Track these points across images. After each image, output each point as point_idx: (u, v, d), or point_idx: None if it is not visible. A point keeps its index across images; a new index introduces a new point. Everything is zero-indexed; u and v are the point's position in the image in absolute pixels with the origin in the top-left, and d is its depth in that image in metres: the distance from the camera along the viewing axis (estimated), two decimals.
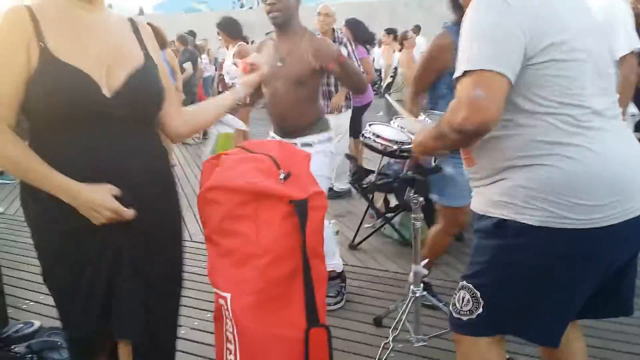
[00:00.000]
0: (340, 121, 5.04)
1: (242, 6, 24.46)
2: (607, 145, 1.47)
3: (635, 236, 1.53)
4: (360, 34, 5.66)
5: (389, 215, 4.23)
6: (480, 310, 1.59)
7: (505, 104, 1.42)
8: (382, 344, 2.65)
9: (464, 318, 1.64)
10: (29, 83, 1.49)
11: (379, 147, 2.61)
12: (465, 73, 1.42)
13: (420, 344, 2.64)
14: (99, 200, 1.51)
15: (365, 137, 2.73)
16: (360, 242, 4.20)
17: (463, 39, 1.48)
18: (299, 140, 2.81)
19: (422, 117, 2.18)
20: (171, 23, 14.80)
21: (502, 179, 1.55)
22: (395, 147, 2.55)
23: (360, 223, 4.33)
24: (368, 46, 6.00)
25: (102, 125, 1.55)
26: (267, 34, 3.04)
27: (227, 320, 1.75)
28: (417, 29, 11.66)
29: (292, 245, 1.68)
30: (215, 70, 10.30)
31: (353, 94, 4.83)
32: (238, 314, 1.68)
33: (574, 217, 1.44)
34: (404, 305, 2.68)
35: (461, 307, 1.65)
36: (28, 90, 1.50)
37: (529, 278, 1.53)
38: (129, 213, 1.56)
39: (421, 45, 9.76)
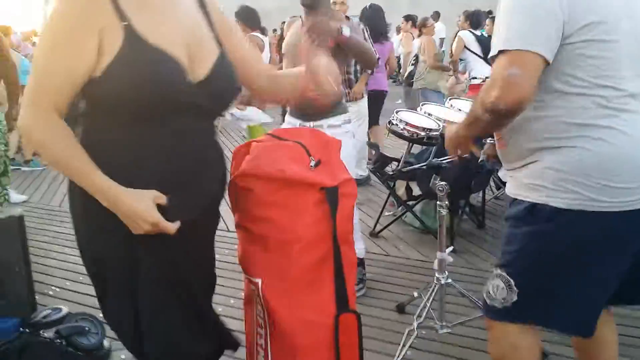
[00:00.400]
0: (359, 107, 5.04)
1: None
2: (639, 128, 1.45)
3: None
4: (372, 27, 5.56)
5: (410, 203, 4.22)
6: (515, 298, 1.59)
7: (538, 83, 1.42)
8: (407, 331, 2.66)
9: (498, 305, 1.65)
10: (109, 68, 1.32)
11: (406, 134, 2.61)
12: (501, 52, 1.43)
13: (445, 330, 2.65)
14: (141, 211, 1.36)
15: (392, 123, 2.73)
16: (381, 230, 4.20)
17: (501, 14, 1.47)
18: (324, 122, 2.79)
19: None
20: None
21: (532, 162, 1.55)
22: (422, 133, 2.54)
23: (381, 211, 4.34)
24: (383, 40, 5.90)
25: (179, 119, 1.41)
26: (292, 17, 3.05)
27: (258, 305, 1.78)
28: (436, 15, 11.53)
29: (323, 232, 1.69)
30: None
31: (363, 67, 4.76)
32: (269, 299, 1.69)
33: (605, 200, 1.44)
34: (428, 293, 2.69)
35: (495, 295, 1.65)
36: (105, 77, 1.33)
37: (561, 264, 1.53)
38: (172, 228, 1.42)
39: (440, 31, 9.68)
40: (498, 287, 1.63)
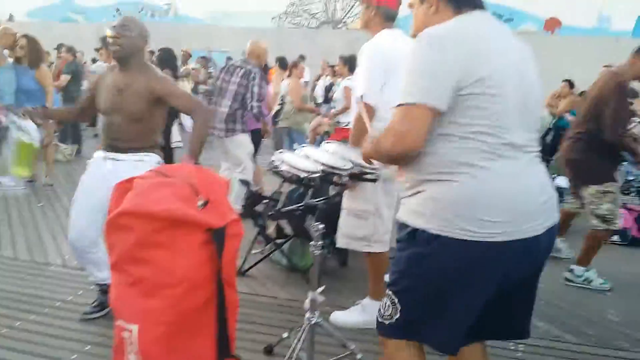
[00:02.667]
0: (238, 149, 5.04)
1: None
2: (513, 172, 1.63)
3: (531, 256, 1.68)
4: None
5: (279, 241, 4.24)
6: (398, 315, 1.71)
7: (431, 129, 1.59)
8: None
9: (386, 322, 1.75)
10: None
11: (287, 175, 2.64)
12: (398, 105, 1.58)
13: None
14: None
15: (273, 163, 2.75)
16: (249, 269, 4.15)
17: (405, 71, 1.63)
18: (131, 156, 2.81)
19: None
20: (45, 32, 13.75)
21: (420, 191, 1.70)
22: (304, 175, 2.59)
23: (250, 249, 4.29)
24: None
25: None
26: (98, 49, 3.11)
27: (131, 355, 1.65)
28: (301, 59, 11.94)
29: (207, 274, 1.64)
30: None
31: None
32: (146, 346, 1.59)
33: (475, 230, 1.58)
34: (299, 333, 2.68)
35: (384, 312, 1.76)
36: None
37: (433, 286, 1.66)
38: None
39: (306, 74, 10.00)
40: (386, 305, 1.73)
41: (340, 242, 3.26)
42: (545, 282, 1.99)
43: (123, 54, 2.76)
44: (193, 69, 10.68)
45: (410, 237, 1.68)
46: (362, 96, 2.70)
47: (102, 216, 2.69)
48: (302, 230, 2.91)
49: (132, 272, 1.62)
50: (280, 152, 2.75)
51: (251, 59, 5.18)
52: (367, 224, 3.09)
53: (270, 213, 3.48)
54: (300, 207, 2.96)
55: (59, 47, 9.11)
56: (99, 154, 2.94)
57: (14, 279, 3.68)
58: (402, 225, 1.74)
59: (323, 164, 2.71)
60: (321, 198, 2.64)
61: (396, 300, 1.71)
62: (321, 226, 2.53)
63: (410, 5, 1.83)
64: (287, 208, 3.31)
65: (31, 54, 5.94)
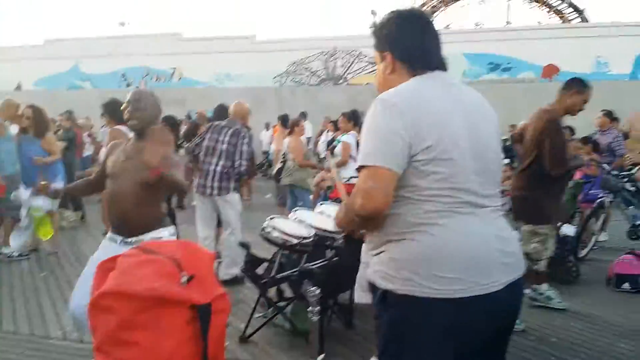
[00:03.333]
0: (225, 209, 5.04)
1: (128, 85, 24.05)
2: (470, 228, 1.65)
3: (490, 314, 1.65)
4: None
5: (281, 304, 4.15)
6: None
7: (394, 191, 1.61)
8: None
9: None
10: None
11: (279, 241, 2.61)
12: (362, 167, 1.62)
13: None
14: None
15: (264, 230, 2.72)
16: (252, 334, 4.06)
17: (362, 136, 1.68)
18: (146, 236, 2.74)
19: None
20: (52, 100, 14.12)
21: (382, 251, 1.70)
22: (295, 241, 2.56)
23: (252, 313, 4.21)
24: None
25: None
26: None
27: None
28: (303, 116, 12.11)
29: (192, 352, 1.59)
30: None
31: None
32: None
33: (435, 287, 1.59)
34: None
35: None
36: None
37: (403, 345, 1.66)
38: None
39: (308, 130, 10.11)
40: None
41: (360, 296, 3.18)
42: None
43: (140, 127, 2.87)
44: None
45: (382, 299, 1.68)
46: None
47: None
48: (301, 294, 2.85)
49: (116, 355, 1.58)
50: (272, 218, 2.73)
51: (237, 119, 5.29)
52: None
53: (263, 281, 3.42)
54: (295, 272, 2.91)
55: (68, 113, 9.28)
56: (114, 237, 2.89)
57: (16, 355, 3.62)
58: (373, 287, 1.74)
59: (317, 228, 2.68)
60: (317, 262, 2.60)
61: None
62: (318, 291, 2.48)
63: (376, 62, 1.88)
64: (281, 274, 3.26)
65: (37, 124, 6.07)
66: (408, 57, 1.76)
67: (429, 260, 1.61)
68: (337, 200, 3.46)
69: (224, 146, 5.00)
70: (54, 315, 4.46)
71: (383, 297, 1.68)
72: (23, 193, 2.75)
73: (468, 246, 1.63)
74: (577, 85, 3.97)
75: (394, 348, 1.69)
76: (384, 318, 1.71)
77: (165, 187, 2.73)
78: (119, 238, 2.83)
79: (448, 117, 1.67)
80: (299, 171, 6.92)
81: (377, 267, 1.71)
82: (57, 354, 3.74)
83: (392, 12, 1.85)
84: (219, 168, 4.99)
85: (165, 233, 2.79)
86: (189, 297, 1.58)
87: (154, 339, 1.54)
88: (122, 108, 2.93)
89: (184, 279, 1.60)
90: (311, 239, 2.69)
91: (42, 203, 2.73)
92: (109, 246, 2.82)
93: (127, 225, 2.81)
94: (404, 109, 1.62)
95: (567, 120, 4.29)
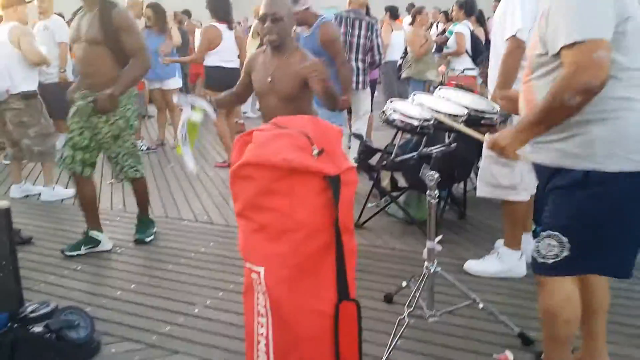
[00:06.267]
0: (360, 101, 5.08)
1: None
2: None
3: None
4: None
5: (394, 194, 4.26)
6: (567, 252, 1.82)
7: None
8: (397, 320, 2.68)
9: (550, 262, 1.86)
10: None
11: (399, 124, 2.62)
12: (577, 42, 1.60)
13: (434, 319, 2.68)
14: None
15: (385, 113, 2.74)
16: (366, 222, 4.23)
17: (564, 8, 1.66)
18: None
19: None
20: None
21: (577, 134, 1.74)
22: (416, 123, 2.56)
23: (365, 202, 4.36)
24: None
25: None
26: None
27: (259, 294, 1.78)
28: (410, 7, 11.55)
29: (325, 220, 1.71)
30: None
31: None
32: (272, 287, 1.70)
33: None
34: (418, 282, 2.72)
35: (546, 253, 1.87)
36: None
37: (613, 220, 1.77)
38: None
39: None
40: (550, 246, 1.84)
41: (483, 191, 3.21)
42: None
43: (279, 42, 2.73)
44: None
45: (580, 180, 1.74)
46: (515, 33, 2.64)
47: None
48: (417, 181, 2.89)
49: (256, 219, 1.73)
50: (391, 101, 2.73)
51: (360, 9, 5.14)
52: (513, 171, 3.02)
53: (383, 163, 3.48)
54: (414, 156, 2.93)
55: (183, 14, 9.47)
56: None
57: (216, 243, 3.95)
58: (560, 171, 1.80)
59: (437, 111, 2.66)
60: (436, 146, 2.60)
61: (564, 240, 1.81)
62: (436, 175, 2.51)
63: None
64: (401, 157, 3.29)
65: (158, 22, 6.38)
66: None
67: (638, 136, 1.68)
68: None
69: (363, 41, 4.91)
70: (184, 201, 4.89)
71: (584, 177, 1.74)
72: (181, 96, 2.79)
73: None
74: None
75: (581, 224, 1.80)
76: (573, 197, 1.79)
77: (325, 98, 2.64)
78: None
79: None
80: (417, 63, 6.78)
81: (575, 150, 1.75)
82: (188, 232, 4.15)
83: None
84: (361, 64, 4.97)
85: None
86: (320, 169, 1.67)
87: (290, 205, 1.66)
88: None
89: (315, 151, 1.69)
90: (432, 122, 2.68)
91: (206, 105, 2.77)
92: None
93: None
94: None
95: None
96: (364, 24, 4.89)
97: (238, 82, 3.03)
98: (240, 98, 3.11)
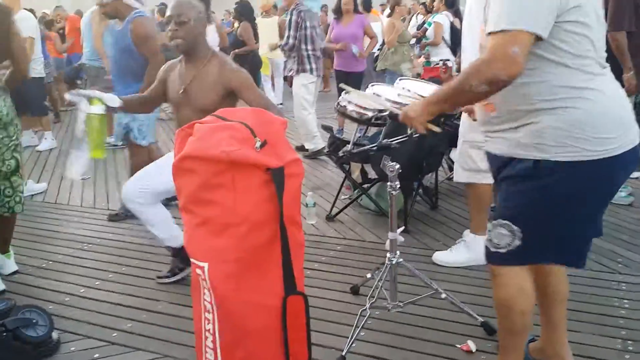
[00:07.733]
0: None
1: None
2: (610, 88, 1.75)
3: (633, 163, 1.79)
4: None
5: (365, 186, 4.25)
6: (518, 242, 1.82)
7: (529, 55, 1.63)
8: (360, 311, 2.68)
9: (502, 250, 1.87)
10: None
11: (354, 115, 2.60)
12: (501, 30, 1.59)
13: (397, 310, 2.68)
14: None
15: (339, 105, 2.71)
16: (337, 214, 4.22)
17: None
18: None
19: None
20: None
21: (528, 123, 1.73)
22: (370, 114, 2.54)
23: (337, 194, 4.35)
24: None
25: None
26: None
27: (205, 290, 1.76)
28: None
29: (269, 213, 1.68)
30: None
31: None
32: (216, 282, 1.68)
33: (597, 149, 1.69)
34: (380, 273, 2.71)
35: (499, 242, 1.87)
36: None
37: (564, 209, 1.78)
38: None
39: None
40: (501, 235, 1.84)
41: (461, 176, 3.19)
42: None
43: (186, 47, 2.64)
44: None
45: (530, 169, 1.74)
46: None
47: (150, 184, 2.78)
48: (384, 172, 2.88)
49: (199, 213, 1.70)
50: (347, 93, 2.70)
51: None
52: None
53: (341, 155, 3.46)
54: (373, 148, 2.91)
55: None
56: None
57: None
58: (511, 161, 1.80)
59: (393, 102, 2.64)
60: (398, 137, 2.58)
61: (515, 229, 1.81)
62: (397, 166, 2.49)
63: None
64: (358, 149, 3.27)
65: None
66: None
67: (590, 125, 1.67)
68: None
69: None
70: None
71: (533, 166, 1.74)
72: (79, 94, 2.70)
73: (616, 107, 1.73)
74: None
75: (530, 213, 1.80)
76: (523, 186, 1.79)
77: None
78: None
79: None
80: (393, 54, 6.78)
81: (524, 140, 1.74)
82: None
83: None
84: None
85: None
86: (263, 161, 1.65)
87: (233, 199, 1.64)
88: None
89: (258, 144, 1.66)
90: (388, 113, 2.66)
91: (102, 95, 2.68)
92: None
93: None
94: None
95: None
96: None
97: (150, 87, 2.90)
98: (150, 103, 2.92)
